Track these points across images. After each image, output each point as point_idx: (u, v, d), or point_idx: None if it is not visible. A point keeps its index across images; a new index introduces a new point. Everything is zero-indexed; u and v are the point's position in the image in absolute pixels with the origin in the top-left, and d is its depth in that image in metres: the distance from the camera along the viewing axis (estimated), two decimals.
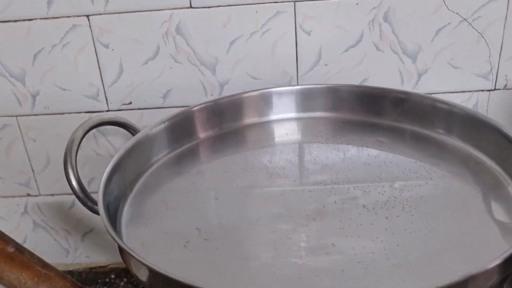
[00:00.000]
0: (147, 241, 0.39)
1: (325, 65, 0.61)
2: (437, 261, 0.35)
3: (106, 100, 0.64)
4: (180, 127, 0.53)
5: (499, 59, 0.60)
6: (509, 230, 0.37)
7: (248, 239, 0.39)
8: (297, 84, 0.58)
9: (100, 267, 0.73)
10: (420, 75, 0.61)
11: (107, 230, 0.37)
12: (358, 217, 0.40)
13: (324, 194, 0.44)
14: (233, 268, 0.37)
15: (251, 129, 0.55)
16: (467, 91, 0.62)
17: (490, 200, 0.41)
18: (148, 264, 0.32)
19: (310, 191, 0.44)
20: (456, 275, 0.30)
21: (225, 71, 0.61)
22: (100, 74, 0.62)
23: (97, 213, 0.43)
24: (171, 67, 0.61)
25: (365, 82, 0.61)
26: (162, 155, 0.51)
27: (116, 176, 0.44)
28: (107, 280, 0.71)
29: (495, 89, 0.62)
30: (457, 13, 0.58)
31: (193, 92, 0.62)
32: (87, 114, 0.64)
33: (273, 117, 0.56)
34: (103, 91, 0.63)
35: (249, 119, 0.56)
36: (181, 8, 0.59)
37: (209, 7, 0.58)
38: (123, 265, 0.45)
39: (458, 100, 0.62)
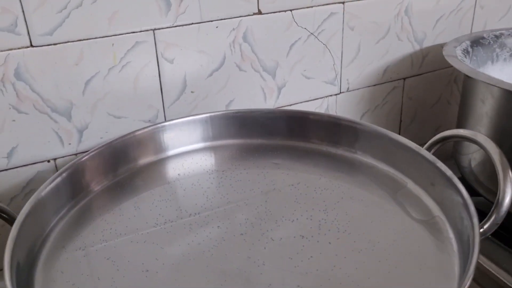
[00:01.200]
0: None
1: (191, 92, 0.58)
2: (397, 272, 0.37)
3: None
4: (71, 184, 0.44)
5: (341, 66, 0.66)
6: (431, 226, 0.42)
7: None
8: (194, 115, 0.54)
9: None
10: (280, 90, 0.63)
11: None
12: (304, 250, 0.40)
13: (256, 234, 0.42)
14: None
15: (148, 169, 0.50)
16: (319, 98, 0.67)
17: (400, 201, 0.45)
18: None
19: (241, 234, 0.42)
20: None
21: (83, 115, 0.53)
22: None
23: None
24: (13, 120, 0.50)
25: (231, 104, 0.60)
26: (49, 230, 0.42)
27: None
28: None
29: (340, 92, 0.68)
30: (305, 28, 0.61)
31: (45, 144, 0.52)
32: None
33: (169, 152, 0.52)
34: None
35: (143, 159, 0.50)
36: (20, 48, 0.48)
37: (55, 44, 0.49)
38: None
39: (312, 107, 0.66)
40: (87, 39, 0.50)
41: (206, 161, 0.52)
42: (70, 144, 0.53)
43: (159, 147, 0.52)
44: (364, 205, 0.45)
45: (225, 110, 0.55)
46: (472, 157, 0.59)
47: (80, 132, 0.53)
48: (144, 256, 0.39)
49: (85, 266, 0.39)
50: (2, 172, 0.51)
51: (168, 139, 0.52)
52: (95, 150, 0.48)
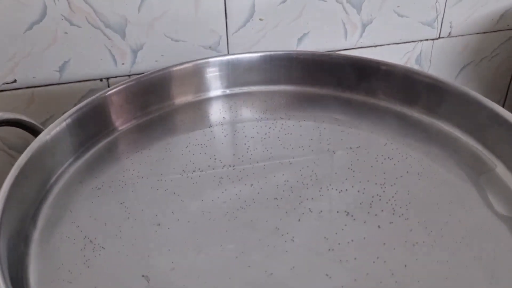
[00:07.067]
0: None
1: (260, 19, 0.50)
2: (458, 280, 0.29)
3: None
4: (91, 121, 0.39)
5: (445, 4, 0.54)
6: None
7: (217, 282, 0.29)
8: (242, 52, 0.46)
9: None
10: (364, 27, 0.52)
11: None
12: (346, 230, 0.32)
13: (293, 201, 0.34)
14: None
15: (184, 111, 0.43)
16: (412, 41, 0.55)
17: (483, 187, 0.35)
18: None
19: (276, 198, 0.35)
20: None
21: (138, 34, 0.47)
22: None
23: None
24: (65, 32, 0.46)
25: (304, 38, 0.51)
26: (68, 164, 0.38)
27: (9, 213, 0.31)
28: None
29: (439, 37, 0.56)
30: None
31: (98, 62, 0.48)
32: None
33: (212, 93, 0.45)
34: None
35: (179, 99, 0.44)
36: None
37: None
38: None
39: (402, 51, 0.56)
40: None
41: (258, 106, 0.45)
42: (123, 64, 0.49)
43: (208, 85, 0.45)
44: (434, 185, 0.36)
45: (288, 50, 0.47)
46: None
47: (135, 52, 0.48)
48: (160, 206, 0.34)
49: (96, 207, 0.34)
50: (54, 86, 0.48)
51: (217, 78, 0.45)
52: (125, 83, 0.42)
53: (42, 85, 0.48)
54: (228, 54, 0.46)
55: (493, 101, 0.36)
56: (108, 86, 0.49)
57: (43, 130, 0.37)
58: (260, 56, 0.46)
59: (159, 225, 0.32)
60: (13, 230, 0.31)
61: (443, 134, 0.40)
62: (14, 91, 0.47)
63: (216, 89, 0.45)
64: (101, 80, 0.49)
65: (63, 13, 0.45)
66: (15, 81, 0.47)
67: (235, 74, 0.45)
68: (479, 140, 0.38)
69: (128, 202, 0.34)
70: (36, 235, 0.32)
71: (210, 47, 0.49)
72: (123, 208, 0.34)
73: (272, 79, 0.46)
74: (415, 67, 0.56)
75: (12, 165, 0.48)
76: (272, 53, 0.46)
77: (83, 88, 0.49)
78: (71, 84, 0.49)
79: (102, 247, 0.31)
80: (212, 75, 0.44)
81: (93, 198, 0.35)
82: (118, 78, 0.49)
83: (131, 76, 0.49)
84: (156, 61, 0.49)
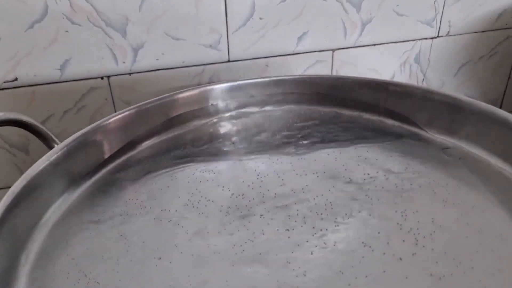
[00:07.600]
0: None
1: (260, 18, 0.49)
2: None
3: None
4: (92, 148, 0.38)
5: (444, 3, 0.53)
6: None
7: None
8: (249, 78, 0.45)
9: None
10: (364, 25, 0.52)
11: None
12: (363, 263, 0.29)
13: (305, 232, 0.32)
14: None
15: (191, 137, 0.41)
16: (411, 40, 0.55)
17: None
18: None
19: (287, 230, 0.32)
20: None
21: (139, 33, 0.47)
22: None
23: None
24: (66, 31, 0.46)
25: (304, 36, 0.51)
26: (67, 194, 0.36)
27: None
28: None
29: (438, 36, 0.55)
30: None
31: (99, 60, 0.47)
32: None
33: (220, 116, 0.43)
34: None
35: (186, 124, 0.43)
36: None
37: None
38: None
39: (401, 49, 0.55)
40: None
41: (269, 130, 0.43)
42: (124, 62, 0.48)
43: (217, 109, 0.44)
44: (462, 212, 0.32)
45: (301, 75, 0.45)
46: None
47: (135, 50, 0.48)
48: (162, 239, 0.32)
49: (94, 240, 0.32)
50: (55, 84, 0.48)
51: (227, 101, 0.44)
52: (128, 109, 0.40)
53: (43, 83, 0.48)
54: (239, 79, 0.44)
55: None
56: (109, 84, 0.49)
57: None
58: (273, 80, 0.44)
59: (160, 258, 0.30)
60: (4, 261, 0.29)
61: (469, 157, 0.37)
62: (15, 89, 0.47)
63: (225, 111, 0.43)
64: (102, 78, 0.49)
65: (64, 12, 0.45)
66: (16, 79, 0.47)
67: (244, 98, 0.43)
68: (509, 161, 0.35)
69: (129, 234, 0.32)
70: (28, 268, 0.30)
71: (210, 45, 0.49)
72: (122, 241, 0.32)
73: (286, 101, 0.44)
74: (414, 65, 0.54)
75: (14, 163, 0.47)
76: (286, 77, 0.44)
77: (84, 86, 0.49)
78: (72, 82, 0.49)
79: (97, 282, 0.28)
80: (221, 99, 0.43)
81: (91, 230, 0.33)
82: (119, 76, 0.49)
83: (131, 75, 0.48)
84: (157, 59, 0.49)
